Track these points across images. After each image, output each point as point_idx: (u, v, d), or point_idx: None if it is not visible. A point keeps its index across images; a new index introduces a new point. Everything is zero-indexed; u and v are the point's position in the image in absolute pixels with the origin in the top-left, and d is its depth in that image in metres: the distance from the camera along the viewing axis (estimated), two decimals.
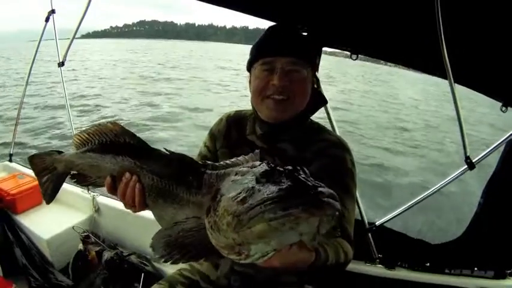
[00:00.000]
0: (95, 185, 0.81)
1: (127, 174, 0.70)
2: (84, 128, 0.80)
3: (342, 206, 0.83)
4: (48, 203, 0.89)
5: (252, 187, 0.46)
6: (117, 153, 0.74)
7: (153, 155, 0.71)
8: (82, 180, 0.81)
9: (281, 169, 0.47)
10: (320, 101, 1.03)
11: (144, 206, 0.72)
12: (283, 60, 0.86)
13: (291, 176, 0.44)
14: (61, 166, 0.84)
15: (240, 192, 0.47)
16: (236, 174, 0.56)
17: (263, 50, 0.90)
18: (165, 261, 0.55)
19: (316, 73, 1.32)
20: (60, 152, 0.86)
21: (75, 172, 0.82)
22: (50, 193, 0.88)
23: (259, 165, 0.53)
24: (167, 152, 0.69)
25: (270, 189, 0.44)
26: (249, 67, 0.96)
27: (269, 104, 0.89)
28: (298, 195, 0.42)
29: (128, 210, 1.95)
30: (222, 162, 0.64)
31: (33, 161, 0.89)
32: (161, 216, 0.69)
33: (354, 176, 0.92)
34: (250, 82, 0.97)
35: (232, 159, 0.65)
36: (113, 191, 0.75)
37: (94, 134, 0.78)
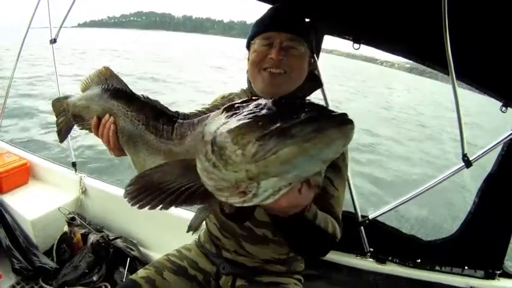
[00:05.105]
0: (91, 129, 0.85)
1: (106, 116, 0.78)
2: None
3: (332, 187, 0.84)
4: (61, 142, 1.04)
5: (269, 113, 0.43)
6: (102, 96, 0.81)
7: (130, 99, 0.76)
8: (81, 121, 0.89)
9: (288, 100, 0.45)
10: (316, 83, 1.02)
11: (118, 148, 0.78)
12: (282, 35, 0.87)
13: (306, 104, 0.42)
14: (70, 108, 0.93)
15: (255, 120, 0.43)
16: (219, 116, 0.51)
17: (263, 26, 0.92)
18: (140, 207, 0.53)
19: (316, 58, 1.29)
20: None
21: (77, 113, 0.90)
22: (63, 133, 1.00)
23: (250, 102, 0.48)
24: (144, 99, 0.73)
25: (293, 113, 0.41)
26: (249, 43, 0.97)
27: (265, 77, 0.88)
28: (328, 117, 0.39)
29: (116, 193, 1.91)
30: (193, 111, 0.64)
31: (55, 104, 1.00)
32: (133, 160, 0.73)
33: (345, 158, 0.92)
34: (248, 59, 0.97)
35: (202, 110, 0.63)
36: (96, 132, 0.81)
37: (92, 78, 0.87)
